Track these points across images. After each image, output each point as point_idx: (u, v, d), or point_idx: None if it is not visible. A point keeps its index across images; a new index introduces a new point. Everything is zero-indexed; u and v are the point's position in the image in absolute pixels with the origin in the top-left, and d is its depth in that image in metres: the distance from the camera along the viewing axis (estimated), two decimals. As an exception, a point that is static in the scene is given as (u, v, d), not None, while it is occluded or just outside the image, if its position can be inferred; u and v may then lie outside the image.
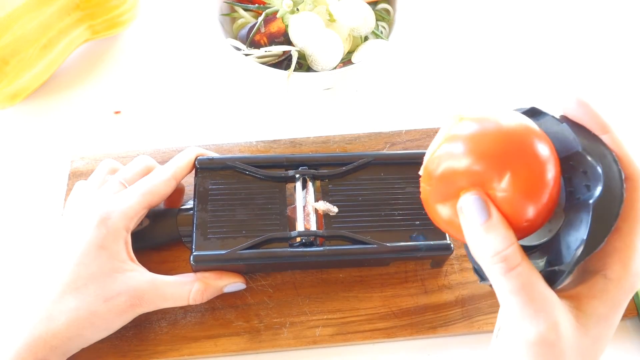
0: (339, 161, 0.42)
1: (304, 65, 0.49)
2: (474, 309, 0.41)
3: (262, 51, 0.47)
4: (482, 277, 0.29)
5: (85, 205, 0.39)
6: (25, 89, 0.51)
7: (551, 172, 0.25)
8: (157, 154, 0.47)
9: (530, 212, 0.25)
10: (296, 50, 0.48)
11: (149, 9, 0.60)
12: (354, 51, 0.50)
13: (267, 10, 0.49)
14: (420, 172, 0.29)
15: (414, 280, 0.42)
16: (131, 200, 0.38)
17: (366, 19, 0.50)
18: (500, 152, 0.25)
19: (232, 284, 0.39)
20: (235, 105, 0.54)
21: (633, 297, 0.41)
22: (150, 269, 0.38)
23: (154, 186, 0.39)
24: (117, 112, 0.53)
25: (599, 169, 0.25)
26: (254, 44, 0.49)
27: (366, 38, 0.51)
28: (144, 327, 0.40)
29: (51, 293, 0.35)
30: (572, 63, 0.57)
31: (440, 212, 0.28)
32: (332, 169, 0.42)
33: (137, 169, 0.41)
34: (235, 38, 0.49)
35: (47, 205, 0.47)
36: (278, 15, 0.49)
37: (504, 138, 0.26)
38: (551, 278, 0.26)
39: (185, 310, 0.40)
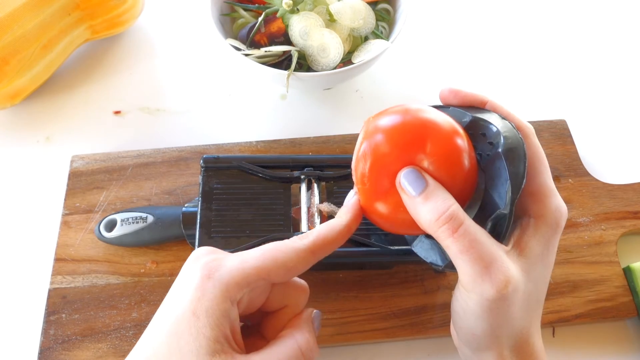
0: (344, 163, 0.42)
1: (304, 65, 0.49)
2: (474, 309, 0.41)
3: (262, 51, 0.47)
4: (435, 268, 0.31)
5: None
6: (25, 89, 0.51)
7: (462, 138, 0.29)
8: (157, 154, 0.47)
9: (458, 176, 0.28)
10: (296, 50, 0.48)
11: (149, 9, 0.60)
12: (354, 51, 0.50)
13: (267, 10, 0.49)
14: (354, 178, 0.30)
15: (414, 280, 0.42)
16: (247, 262, 0.27)
17: (366, 19, 0.50)
18: (418, 131, 0.28)
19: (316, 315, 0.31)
20: (236, 105, 0.54)
21: (633, 297, 0.41)
22: (151, 269, 0.38)
23: (281, 253, 0.29)
24: (117, 112, 0.53)
25: (493, 126, 0.29)
26: (254, 44, 0.49)
27: (366, 38, 0.51)
28: (144, 327, 0.39)
29: None
30: (569, 63, 0.57)
31: (381, 209, 0.30)
32: (338, 171, 0.42)
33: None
34: (236, 38, 0.49)
35: (47, 206, 0.47)
36: (278, 15, 0.49)
37: (416, 120, 0.29)
38: (497, 231, 0.28)
39: (185, 310, 0.40)
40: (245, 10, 0.52)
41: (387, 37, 0.51)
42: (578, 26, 0.60)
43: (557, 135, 0.49)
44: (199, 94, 0.54)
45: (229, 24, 0.53)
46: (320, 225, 0.31)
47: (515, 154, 0.28)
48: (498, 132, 0.29)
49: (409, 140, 0.28)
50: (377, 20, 0.51)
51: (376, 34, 0.51)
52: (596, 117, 0.53)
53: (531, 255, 0.28)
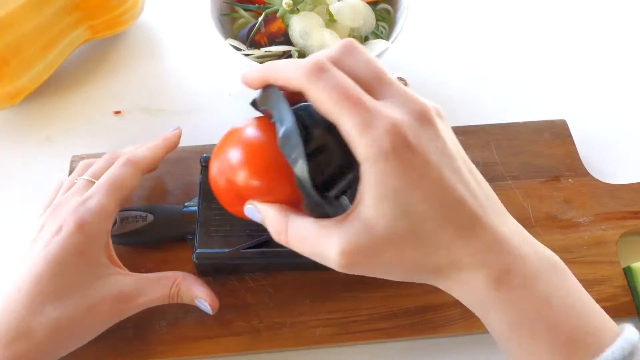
0: None
1: (304, 65, 0.49)
2: (475, 309, 0.41)
3: (262, 51, 0.47)
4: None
5: (59, 210, 0.37)
6: (25, 89, 0.51)
7: (249, 150, 0.30)
8: (157, 154, 0.47)
9: (270, 180, 0.30)
10: (296, 50, 0.48)
11: (149, 9, 0.60)
12: (354, 51, 0.50)
13: (267, 10, 0.49)
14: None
15: (415, 280, 0.42)
16: (102, 201, 0.36)
17: (366, 19, 0.50)
18: (229, 159, 0.31)
19: (204, 300, 0.38)
20: (236, 105, 0.54)
21: (633, 297, 0.41)
22: (151, 269, 0.38)
23: (120, 181, 0.38)
24: (117, 112, 0.53)
25: (275, 121, 0.29)
26: (254, 44, 0.49)
27: (366, 38, 0.51)
28: (144, 327, 0.40)
29: (29, 305, 0.33)
30: (569, 63, 0.57)
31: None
32: None
33: (102, 163, 0.41)
34: (236, 38, 0.49)
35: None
36: (278, 15, 0.49)
37: (226, 147, 0.31)
38: (324, 212, 0.29)
39: (186, 310, 0.40)
40: (245, 10, 0.52)
41: (387, 37, 0.51)
42: (578, 26, 0.60)
43: (557, 135, 0.49)
44: (199, 94, 0.54)
45: (229, 24, 0.53)
46: (143, 149, 0.41)
47: (288, 141, 0.27)
48: (273, 116, 0.29)
49: (226, 169, 0.31)
50: (377, 20, 0.51)
51: (376, 34, 0.51)
52: (596, 117, 0.53)
53: (365, 208, 0.27)
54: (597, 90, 0.55)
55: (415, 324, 0.40)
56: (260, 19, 0.48)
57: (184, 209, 0.42)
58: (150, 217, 0.41)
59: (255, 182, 0.30)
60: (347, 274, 0.42)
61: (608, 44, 0.59)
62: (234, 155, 0.30)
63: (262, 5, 0.51)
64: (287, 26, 0.48)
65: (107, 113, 0.53)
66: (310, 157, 0.28)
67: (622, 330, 0.28)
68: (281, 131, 0.28)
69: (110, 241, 0.37)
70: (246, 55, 0.47)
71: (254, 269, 0.41)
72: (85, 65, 0.56)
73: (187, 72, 0.56)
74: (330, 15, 0.49)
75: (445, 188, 0.27)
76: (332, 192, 0.30)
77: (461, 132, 0.48)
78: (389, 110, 0.27)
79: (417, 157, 0.26)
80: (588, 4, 0.62)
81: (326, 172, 0.29)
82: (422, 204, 0.26)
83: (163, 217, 0.42)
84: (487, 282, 0.27)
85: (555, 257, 0.29)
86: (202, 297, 0.38)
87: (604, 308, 0.39)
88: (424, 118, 0.28)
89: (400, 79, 0.31)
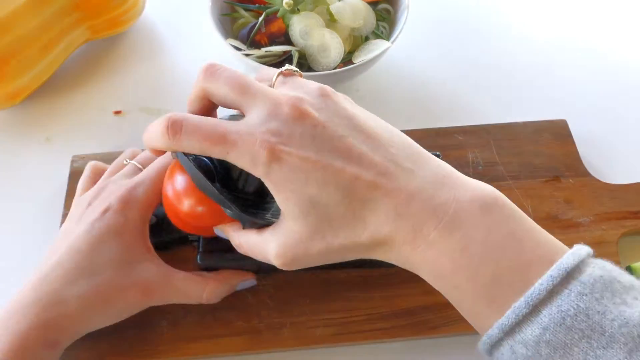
0: None
1: (304, 65, 0.49)
2: (475, 309, 0.41)
3: (262, 51, 0.47)
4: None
5: (107, 191, 0.39)
6: (25, 89, 0.51)
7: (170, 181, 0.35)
8: (158, 154, 0.47)
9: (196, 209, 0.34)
10: (297, 50, 0.48)
11: (149, 9, 0.60)
12: (354, 51, 0.50)
13: (268, 10, 0.49)
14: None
15: (415, 280, 0.41)
16: (148, 190, 0.38)
17: (367, 19, 0.50)
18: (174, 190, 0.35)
19: (245, 281, 0.40)
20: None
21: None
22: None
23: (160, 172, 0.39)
24: (117, 112, 0.53)
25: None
26: (255, 44, 0.49)
27: (367, 38, 0.51)
28: (144, 327, 0.40)
29: (65, 276, 0.35)
30: (569, 63, 0.57)
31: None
32: None
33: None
34: (236, 38, 0.49)
35: (47, 206, 0.46)
36: (278, 15, 0.49)
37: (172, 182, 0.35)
38: (258, 223, 0.32)
39: (186, 310, 0.40)
40: (246, 10, 0.52)
41: (387, 37, 0.51)
42: (578, 26, 0.60)
43: (557, 135, 0.49)
44: (199, 94, 0.54)
45: (229, 24, 0.53)
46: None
47: (203, 188, 0.32)
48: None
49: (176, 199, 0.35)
50: (377, 20, 0.51)
51: (377, 34, 0.51)
52: (596, 117, 0.53)
53: (283, 212, 0.30)
54: (597, 90, 0.55)
55: (415, 324, 0.40)
56: (260, 19, 0.49)
57: None
58: (154, 219, 0.41)
59: (199, 209, 0.34)
60: (346, 274, 0.42)
61: (608, 44, 0.59)
62: (180, 190, 0.34)
63: (262, 5, 0.51)
64: (287, 26, 0.48)
65: (107, 113, 0.53)
66: (235, 185, 0.32)
67: (562, 255, 0.27)
68: (195, 182, 0.32)
69: (148, 230, 0.38)
70: (246, 55, 0.47)
71: (257, 270, 0.41)
72: (85, 65, 0.56)
73: (188, 72, 0.56)
74: (331, 15, 0.49)
75: (334, 173, 0.28)
76: (270, 202, 0.33)
77: (461, 132, 0.48)
78: (253, 127, 0.29)
79: (293, 157, 0.28)
80: (588, 3, 0.62)
81: (256, 191, 0.33)
82: (321, 194, 0.28)
83: (166, 219, 0.42)
84: (404, 245, 0.28)
85: (489, 195, 0.28)
86: (240, 281, 0.39)
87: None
88: (290, 115, 0.29)
89: (286, 72, 0.33)
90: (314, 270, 0.42)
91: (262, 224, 0.32)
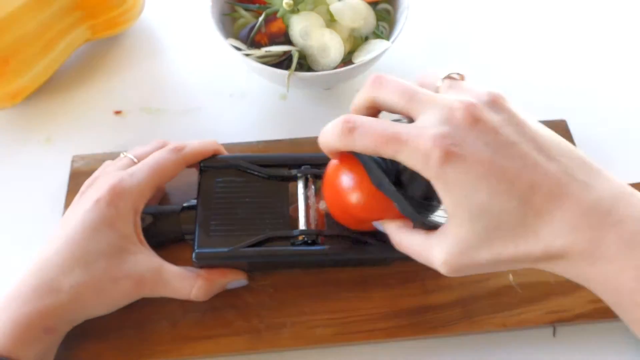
0: None
1: (304, 65, 0.49)
2: (475, 309, 0.41)
3: (262, 51, 0.47)
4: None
5: (99, 182, 0.39)
6: (25, 89, 0.51)
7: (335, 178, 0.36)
8: (158, 154, 0.47)
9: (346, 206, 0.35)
10: (297, 50, 0.48)
11: (150, 9, 0.60)
12: (354, 51, 0.50)
13: (268, 10, 0.49)
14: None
15: (415, 280, 0.42)
16: (140, 182, 0.38)
17: (367, 19, 0.50)
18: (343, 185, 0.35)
19: (235, 280, 0.40)
20: (236, 105, 0.54)
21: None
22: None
23: (162, 165, 0.40)
24: (117, 112, 0.53)
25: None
26: (255, 44, 0.49)
27: (367, 38, 0.51)
28: (144, 327, 0.40)
29: (61, 265, 0.35)
30: (569, 63, 0.57)
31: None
32: None
33: (151, 147, 0.42)
34: (236, 38, 0.49)
35: (47, 206, 0.46)
36: (278, 15, 0.49)
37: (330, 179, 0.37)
38: (427, 224, 0.32)
39: (186, 310, 0.40)
40: (246, 10, 0.52)
41: (387, 37, 0.51)
42: (578, 26, 0.60)
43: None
44: (200, 94, 0.54)
45: (229, 24, 0.53)
46: (193, 142, 0.42)
47: (382, 186, 0.32)
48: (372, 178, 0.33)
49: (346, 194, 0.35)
50: (377, 20, 0.51)
51: (377, 34, 0.51)
52: (596, 117, 0.53)
53: (450, 215, 0.29)
54: (597, 91, 0.55)
55: (415, 324, 0.40)
56: (260, 19, 0.49)
57: (183, 210, 0.41)
58: (149, 219, 0.41)
59: (365, 204, 0.34)
60: (346, 274, 0.42)
61: (608, 44, 0.59)
62: (348, 185, 0.35)
63: (262, 5, 0.51)
64: (287, 26, 0.48)
65: (107, 113, 0.53)
66: (402, 186, 0.32)
67: None
68: (373, 179, 0.33)
69: (140, 221, 0.39)
70: (247, 55, 0.47)
71: (253, 268, 0.41)
72: (85, 65, 0.56)
73: (187, 72, 0.56)
74: (331, 15, 0.49)
75: (508, 181, 0.27)
76: (434, 205, 0.33)
77: (461, 132, 0.48)
78: (425, 128, 0.29)
79: (467, 161, 0.27)
80: (588, 3, 0.62)
81: (421, 193, 0.32)
82: (493, 201, 0.27)
83: (162, 218, 0.42)
84: (580, 259, 0.27)
85: None
86: (230, 281, 0.39)
87: (604, 308, 0.39)
88: (463, 121, 0.28)
89: (450, 77, 0.33)
90: (314, 270, 0.42)
91: (430, 226, 0.32)
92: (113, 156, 0.46)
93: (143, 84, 0.55)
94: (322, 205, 0.40)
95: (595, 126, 0.52)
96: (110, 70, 0.56)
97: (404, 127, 0.29)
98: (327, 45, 0.48)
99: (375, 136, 0.29)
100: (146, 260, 0.37)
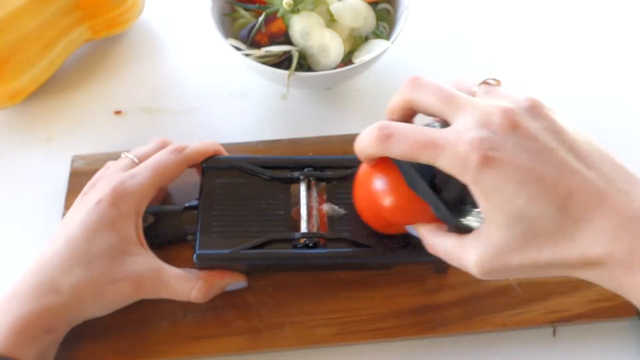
0: (344, 164, 0.42)
1: (304, 65, 0.49)
2: (475, 308, 0.41)
3: (262, 51, 0.47)
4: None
5: (101, 183, 0.40)
6: (25, 89, 0.51)
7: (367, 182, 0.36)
8: (158, 154, 0.47)
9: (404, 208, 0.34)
10: (297, 50, 0.48)
11: (149, 9, 0.60)
12: (354, 51, 0.50)
13: (268, 10, 0.49)
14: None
15: (415, 280, 0.42)
16: (142, 183, 0.39)
17: (367, 19, 0.50)
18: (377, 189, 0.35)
19: (234, 282, 0.40)
20: (236, 105, 0.54)
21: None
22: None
23: (163, 166, 0.40)
24: (117, 112, 0.53)
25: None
26: (255, 44, 0.49)
27: (367, 38, 0.51)
28: (144, 327, 0.40)
29: (62, 265, 0.36)
30: (569, 63, 0.57)
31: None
32: (338, 171, 0.42)
33: (151, 147, 0.43)
34: (236, 38, 0.49)
35: (47, 206, 0.46)
36: (278, 15, 0.49)
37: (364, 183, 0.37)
38: (461, 228, 0.32)
39: (186, 310, 0.40)
40: (246, 10, 0.52)
41: (387, 37, 0.51)
42: (578, 27, 0.60)
43: (557, 135, 0.49)
44: (200, 94, 0.54)
45: (229, 23, 0.53)
46: (195, 144, 0.42)
47: (417, 188, 0.32)
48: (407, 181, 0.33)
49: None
50: (377, 20, 0.51)
51: (377, 34, 0.51)
52: (596, 117, 0.53)
53: (487, 219, 0.29)
54: (596, 91, 0.55)
55: (415, 324, 0.40)
56: (260, 18, 0.49)
57: (185, 210, 0.41)
58: (151, 219, 0.41)
59: (400, 207, 0.35)
60: (346, 274, 0.42)
61: (608, 45, 0.59)
62: (383, 188, 0.35)
63: (262, 5, 0.51)
64: (287, 26, 0.48)
65: (107, 113, 0.53)
66: (437, 190, 0.32)
67: None
68: (410, 183, 0.32)
69: (141, 223, 0.39)
70: (247, 55, 0.47)
71: (254, 270, 0.41)
72: (86, 65, 0.56)
73: (187, 72, 0.56)
74: (331, 15, 0.49)
75: (547, 187, 0.27)
76: (467, 209, 0.33)
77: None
78: (462, 132, 0.28)
79: (505, 166, 0.27)
80: (587, 4, 0.62)
81: (455, 197, 0.32)
82: (531, 207, 0.27)
83: (164, 218, 0.42)
84: (618, 268, 0.27)
85: None
86: (230, 282, 0.39)
87: (604, 308, 0.39)
88: (501, 126, 0.28)
89: (487, 82, 0.33)
90: (314, 270, 0.42)
91: (463, 229, 0.32)
92: (113, 156, 0.46)
93: (143, 84, 0.55)
94: (326, 207, 0.40)
95: (595, 126, 0.52)
96: (110, 70, 0.56)
97: (440, 132, 0.29)
98: (327, 45, 0.48)
99: (412, 142, 0.29)
100: (146, 262, 0.37)
